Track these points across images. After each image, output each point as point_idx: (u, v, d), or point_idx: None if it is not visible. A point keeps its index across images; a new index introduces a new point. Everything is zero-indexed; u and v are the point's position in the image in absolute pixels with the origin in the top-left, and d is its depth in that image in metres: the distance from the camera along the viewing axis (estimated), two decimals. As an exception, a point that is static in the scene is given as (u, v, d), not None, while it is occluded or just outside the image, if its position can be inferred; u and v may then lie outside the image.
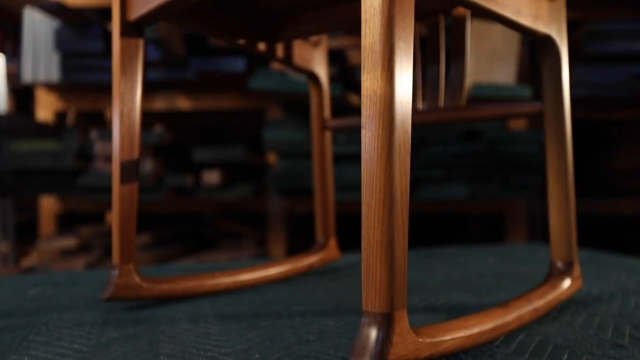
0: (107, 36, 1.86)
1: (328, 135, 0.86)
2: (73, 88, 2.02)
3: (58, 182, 1.70)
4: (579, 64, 1.90)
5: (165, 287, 0.65)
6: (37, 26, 1.91)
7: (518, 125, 1.78)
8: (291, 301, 0.67)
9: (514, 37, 1.73)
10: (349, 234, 2.33)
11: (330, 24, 0.70)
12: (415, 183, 1.68)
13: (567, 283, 0.62)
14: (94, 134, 1.72)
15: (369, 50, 0.40)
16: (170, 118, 2.26)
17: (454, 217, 2.41)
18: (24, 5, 1.96)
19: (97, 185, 1.66)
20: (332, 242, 0.87)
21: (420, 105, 0.75)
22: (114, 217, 0.61)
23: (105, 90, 2.01)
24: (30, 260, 1.93)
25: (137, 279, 0.62)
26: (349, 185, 1.64)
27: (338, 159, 1.67)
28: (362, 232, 0.41)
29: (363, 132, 0.40)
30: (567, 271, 0.63)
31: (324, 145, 0.86)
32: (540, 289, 0.60)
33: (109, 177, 1.65)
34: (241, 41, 0.70)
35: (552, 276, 0.62)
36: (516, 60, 1.74)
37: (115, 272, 0.60)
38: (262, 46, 0.73)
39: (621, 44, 1.88)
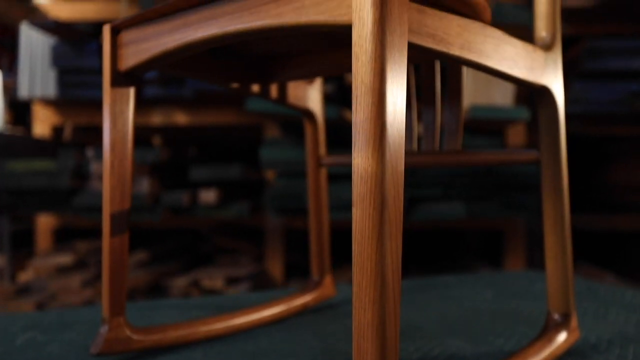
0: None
1: (323, 172, 0.85)
2: (70, 103, 2.01)
3: (54, 201, 1.69)
4: (577, 80, 1.89)
5: (156, 338, 0.64)
6: (33, 42, 1.90)
7: (517, 143, 1.77)
8: (284, 352, 0.66)
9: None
10: (342, 248, 2.32)
11: (325, 68, 0.69)
12: (412, 202, 1.68)
13: (563, 336, 0.61)
14: (90, 152, 1.71)
15: (360, 128, 0.39)
16: (167, 132, 2.25)
17: (452, 232, 2.41)
18: (21, 20, 1.95)
19: (93, 204, 1.65)
20: (328, 280, 0.86)
21: (415, 146, 0.74)
22: (103, 270, 0.60)
23: (102, 105, 2.00)
24: (27, 275, 1.92)
25: (127, 332, 0.61)
26: (345, 205, 1.63)
27: (334, 177, 1.66)
28: (353, 312, 0.40)
29: (354, 209, 0.40)
30: (564, 323, 0.62)
31: (319, 182, 0.85)
32: (536, 344, 0.59)
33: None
34: (234, 85, 0.69)
35: (549, 329, 0.62)
36: (514, 79, 1.73)
37: (105, 327, 0.59)
38: (255, 88, 0.72)
39: (620, 61, 1.87)
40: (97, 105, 2.02)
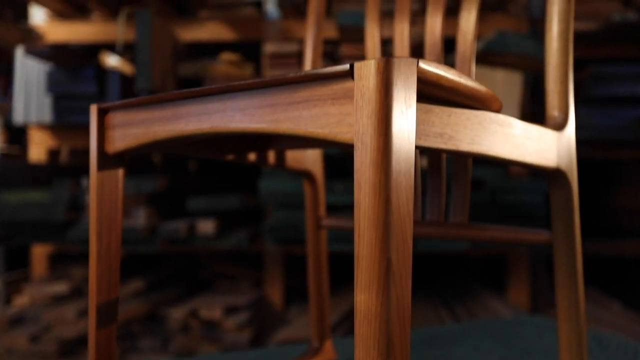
0: (100, 77, 1.82)
1: (323, 234, 0.82)
2: (66, 126, 1.98)
3: (48, 233, 1.66)
4: (583, 106, 1.86)
5: None
6: (28, 68, 1.87)
7: (520, 172, 1.74)
8: None
9: (516, 81, 1.69)
10: (339, 271, 2.29)
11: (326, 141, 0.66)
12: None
13: None
14: (85, 181, 1.67)
15: (363, 264, 0.35)
16: (165, 157, 2.22)
17: (454, 256, 2.37)
18: (17, 42, 1.92)
19: (89, 236, 1.62)
20: (328, 345, 0.83)
21: (418, 214, 0.71)
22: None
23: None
24: (22, 299, 1.88)
25: None
26: (344, 236, 1.59)
27: (334, 208, 1.63)
28: None
29: (356, 351, 0.36)
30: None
31: (319, 244, 0.81)
32: None
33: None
34: (230, 157, 0.66)
35: None
36: (519, 106, 1.70)
37: None
38: (252, 156, 0.69)
39: (625, 87, 1.84)
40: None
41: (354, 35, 1.52)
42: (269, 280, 1.91)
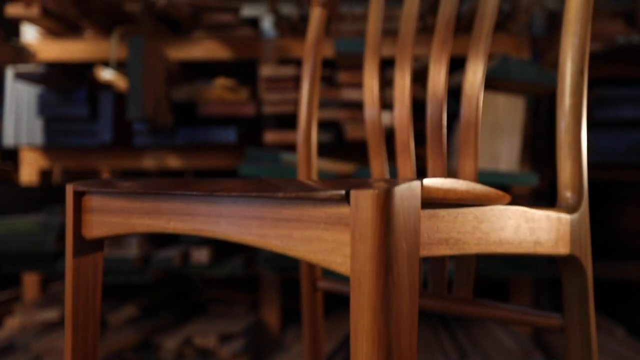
0: (93, 100, 1.78)
1: (319, 297, 0.78)
2: (58, 146, 1.93)
3: (39, 263, 1.61)
4: (587, 129, 1.82)
5: None
6: (19, 89, 1.82)
7: (521, 196, 1.70)
8: None
9: (518, 106, 1.65)
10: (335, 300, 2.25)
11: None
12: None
13: None
14: (77, 207, 1.63)
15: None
16: (160, 177, 2.17)
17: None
18: (8, 61, 1.88)
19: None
20: (323, 411, 0.79)
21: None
22: None
23: (92, 151, 1.93)
24: (13, 323, 1.84)
25: None
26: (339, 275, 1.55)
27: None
28: None
29: None
30: None
31: (315, 308, 0.77)
32: None
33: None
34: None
35: None
36: (521, 131, 1.66)
37: None
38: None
39: (630, 110, 1.80)
40: (86, 150, 1.94)
41: (352, 61, 1.48)
42: (265, 303, 1.87)
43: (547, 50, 1.91)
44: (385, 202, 0.31)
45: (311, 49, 0.76)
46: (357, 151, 1.74)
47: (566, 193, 0.53)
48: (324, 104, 1.63)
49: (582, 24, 0.54)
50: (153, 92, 1.47)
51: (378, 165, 0.69)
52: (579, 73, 0.53)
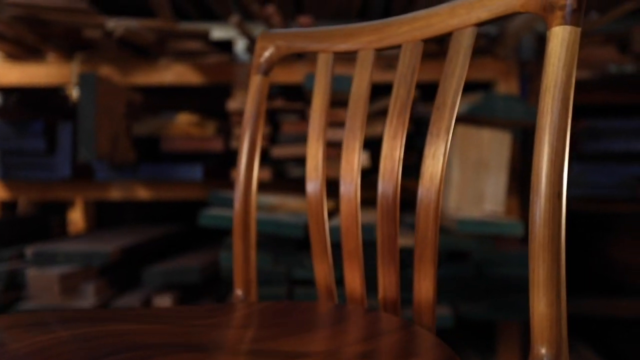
0: (50, 132, 1.66)
1: None
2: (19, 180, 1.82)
3: (-13, 312, 1.50)
4: (576, 162, 1.72)
5: None
6: (-29, 120, 1.71)
7: (508, 243, 1.60)
8: None
9: (504, 141, 1.55)
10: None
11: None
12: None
13: None
14: (30, 250, 1.51)
15: None
16: (126, 208, 2.06)
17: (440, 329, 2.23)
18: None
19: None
20: None
21: None
22: None
23: (54, 183, 1.81)
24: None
25: None
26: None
27: (304, 283, 1.48)
28: None
29: None
30: None
31: None
32: None
33: (48, 306, 1.45)
34: None
35: None
36: (507, 168, 1.56)
37: None
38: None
39: (620, 143, 1.70)
40: (47, 182, 1.82)
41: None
42: None
43: (536, 75, 1.81)
44: None
45: (249, 120, 0.65)
46: (334, 187, 1.64)
47: (540, 348, 0.42)
48: (297, 139, 1.53)
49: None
50: (108, 131, 1.36)
51: (322, 271, 0.59)
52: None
